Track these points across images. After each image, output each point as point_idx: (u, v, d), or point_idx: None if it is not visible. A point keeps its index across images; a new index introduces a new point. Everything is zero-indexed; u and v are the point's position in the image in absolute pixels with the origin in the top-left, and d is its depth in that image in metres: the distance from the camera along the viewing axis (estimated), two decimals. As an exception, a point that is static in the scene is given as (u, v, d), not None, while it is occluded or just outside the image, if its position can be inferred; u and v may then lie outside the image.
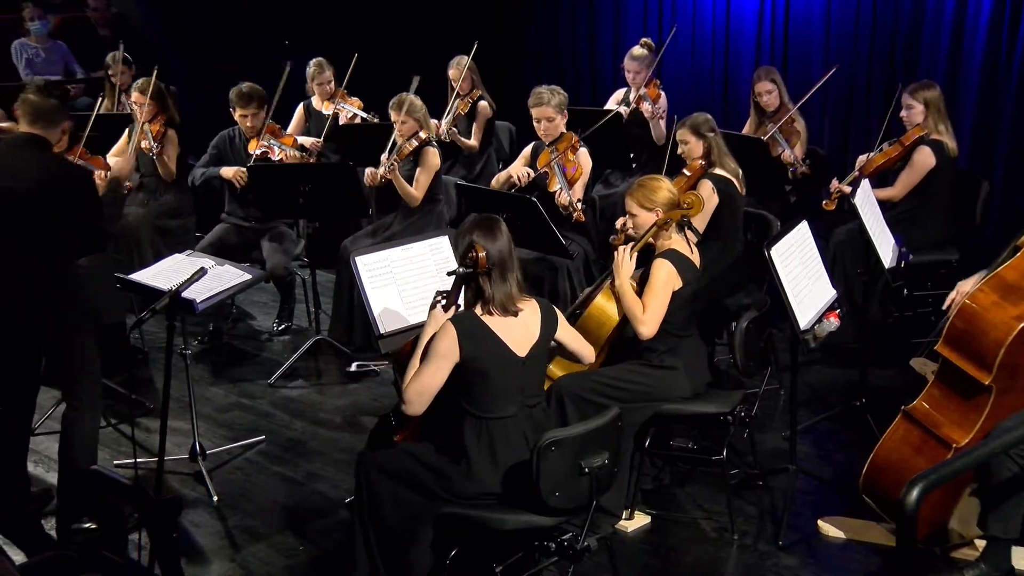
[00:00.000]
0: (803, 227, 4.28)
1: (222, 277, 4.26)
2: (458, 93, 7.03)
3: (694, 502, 4.37)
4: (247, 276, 4.35)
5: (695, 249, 4.22)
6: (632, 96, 6.76)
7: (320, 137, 6.71)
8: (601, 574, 3.84)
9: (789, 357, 4.35)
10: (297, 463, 4.78)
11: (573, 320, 4.17)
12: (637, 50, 6.77)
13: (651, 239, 4.16)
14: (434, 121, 6.37)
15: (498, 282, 3.44)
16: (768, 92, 6.34)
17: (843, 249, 5.69)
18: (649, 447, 4.16)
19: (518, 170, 5.68)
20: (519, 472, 3.37)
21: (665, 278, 4.05)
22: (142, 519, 3.44)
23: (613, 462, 3.41)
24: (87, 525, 4.04)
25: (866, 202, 4.71)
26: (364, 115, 6.88)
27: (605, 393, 3.97)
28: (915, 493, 2.42)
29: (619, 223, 4.74)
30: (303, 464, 4.77)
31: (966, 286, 3.91)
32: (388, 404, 4.71)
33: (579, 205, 5.46)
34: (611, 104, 6.91)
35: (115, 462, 4.75)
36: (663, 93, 6.76)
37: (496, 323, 3.44)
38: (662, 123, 6.62)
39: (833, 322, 4.16)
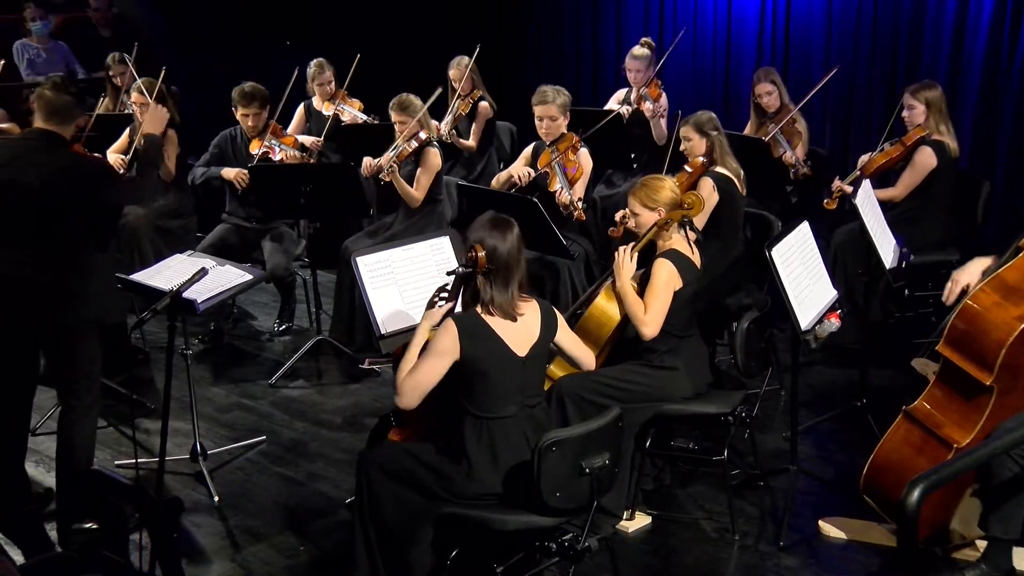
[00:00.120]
0: (804, 228, 4.28)
1: (223, 277, 4.26)
2: (459, 94, 7.03)
3: (695, 502, 4.37)
4: (248, 276, 4.35)
5: (695, 249, 4.22)
6: (633, 96, 6.77)
7: (320, 137, 6.72)
8: (602, 574, 3.84)
9: (790, 357, 4.35)
10: (298, 463, 4.78)
11: (574, 320, 4.17)
12: (638, 50, 6.77)
13: (652, 238, 4.16)
14: (434, 122, 6.38)
15: (499, 286, 3.44)
16: (768, 93, 6.33)
17: (844, 249, 5.69)
18: (650, 447, 4.16)
19: (519, 170, 5.68)
20: (520, 472, 3.37)
21: (666, 278, 4.05)
22: (143, 519, 3.44)
23: (614, 462, 3.41)
24: (88, 525, 4.04)
25: (867, 202, 4.71)
26: (364, 117, 6.88)
27: (606, 393, 3.97)
28: (916, 494, 2.42)
29: (618, 215, 4.74)
30: (304, 464, 4.77)
31: (962, 275, 3.90)
32: (389, 404, 4.70)
33: (580, 204, 5.46)
34: (612, 104, 6.91)
35: (116, 462, 4.75)
36: (664, 93, 6.76)
37: (497, 323, 3.44)
38: (663, 123, 6.62)
39: (834, 323, 4.16)
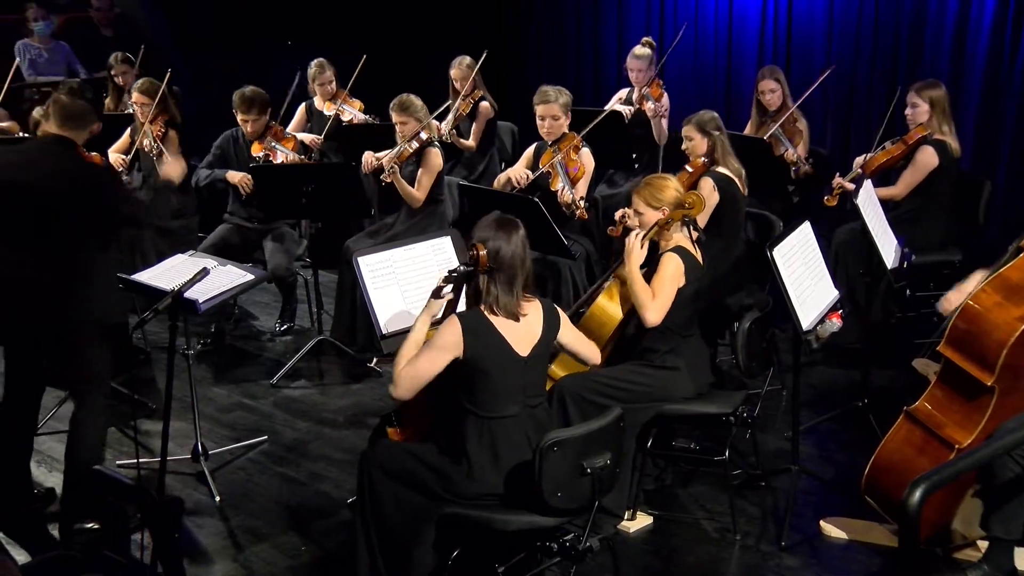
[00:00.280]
0: (805, 228, 4.28)
1: (225, 277, 4.26)
2: (461, 93, 7.03)
3: (696, 502, 4.37)
4: (249, 276, 4.35)
5: (697, 248, 4.22)
6: (635, 95, 6.77)
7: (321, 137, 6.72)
8: (603, 574, 3.84)
9: (791, 357, 4.35)
10: (299, 463, 4.79)
11: (575, 319, 4.17)
12: (639, 49, 6.77)
13: (653, 237, 4.16)
14: (435, 122, 6.38)
15: (503, 286, 3.44)
16: (771, 91, 6.33)
17: (845, 249, 5.69)
18: (651, 447, 4.16)
19: (517, 172, 5.68)
20: (521, 472, 3.37)
21: (674, 271, 4.05)
22: (144, 519, 3.44)
23: (615, 462, 3.41)
24: (89, 525, 4.04)
25: (868, 202, 4.71)
26: (365, 117, 6.88)
27: (607, 393, 3.97)
28: (917, 494, 2.42)
29: (618, 214, 4.74)
30: (305, 464, 4.77)
31: (958, 296, 3.91)
32: (390, 404, 4.70)
33: (581, 203, 5.46)
34: (614, 103, 6.91)
35: (117, 462, 4.75)
36: (665, 92, 6.76)
37: (500, 322, 3.44)
38: (664, 122, 6.62)
39: (835, 323, 4.16)
